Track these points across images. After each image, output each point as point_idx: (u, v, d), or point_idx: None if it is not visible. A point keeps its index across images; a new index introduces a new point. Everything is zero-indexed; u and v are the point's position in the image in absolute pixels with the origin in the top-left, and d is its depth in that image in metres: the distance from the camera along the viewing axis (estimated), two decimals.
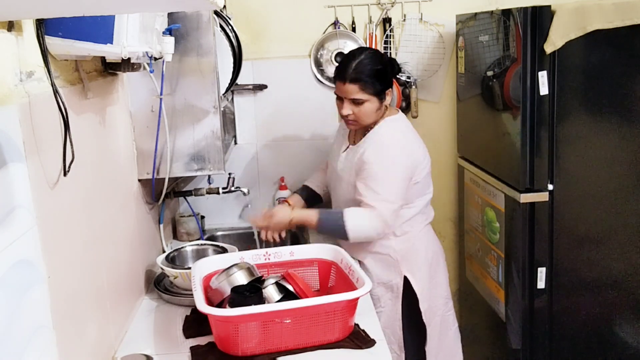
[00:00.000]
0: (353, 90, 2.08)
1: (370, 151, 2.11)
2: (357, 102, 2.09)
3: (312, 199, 2.46)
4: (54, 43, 1.28)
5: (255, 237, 2.44)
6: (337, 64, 2.27)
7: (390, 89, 2.14)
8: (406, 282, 2.20)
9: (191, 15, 1.91)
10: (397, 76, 2.85)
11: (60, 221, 1.30)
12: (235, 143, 2.89)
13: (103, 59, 1.63)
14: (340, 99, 2.14)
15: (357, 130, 2.23)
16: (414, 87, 2.86)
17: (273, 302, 1.70)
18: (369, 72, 2.07)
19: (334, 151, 2.37)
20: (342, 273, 1.84)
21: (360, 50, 2.17)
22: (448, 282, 2.33)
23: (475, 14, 2.58)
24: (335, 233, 2.14)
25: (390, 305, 2.22)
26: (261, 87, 2.84)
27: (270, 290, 1.73)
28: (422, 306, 2.20)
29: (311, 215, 2.16)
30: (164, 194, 2.16)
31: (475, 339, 2.85)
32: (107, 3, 0.92)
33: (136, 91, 1.96)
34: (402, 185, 2.10)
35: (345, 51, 2.75)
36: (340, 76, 2.11)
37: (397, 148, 2.13)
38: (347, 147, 2.26)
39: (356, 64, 2.08)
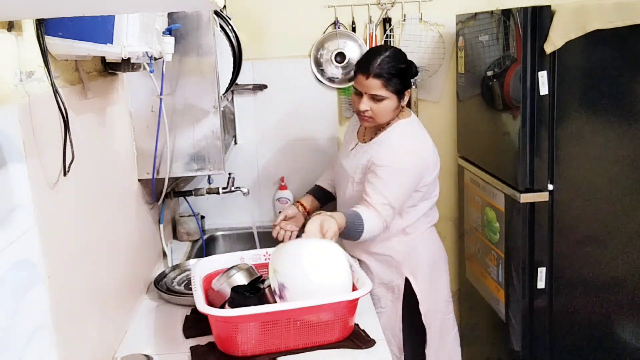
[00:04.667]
0: (375, 85, 2.03)
1: (382, 154, 2.08)
2: (376, 99, 2.05)
3: (324, 198, 2.43)
4: (54, 43, 1.28)
5: (255, 237, 2.44)
6: (359, 58, 2.18)
7: (409, 90, 2.12)
8: (407, 283, 2.19)
9: (191, 15, 1.91)
10: None
11: (60, 221, 1.30)
12: (235, 143, 2.88)
13: (103, 59, 1.63)
14: (358, 94, 2.09)
15: (368, 128, 2.20)
16: (414, 87, 2.85)
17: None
18: (393, 70, 2.04)
19: (343, 148, 2.36)
20: None
21: (385, 47, 2.16)
22: (449, 285, 2.33)
23: (475, 14, 2.58)
24: (351, 237, 2.04)
25: (391, 307, 2.21)
26: (261, 87, 2.84)
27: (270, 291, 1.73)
28: (423, 308, 2.19)
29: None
30: (164, 194, 2.16)
31: (475, 339, 2.85)
32: (107, 3, 0.92)
33: (136, 91, 1.96)
34: (407, 192, 2.09)
35: (346, 51, 2.76)
36: (364, 69, 2.05)
37: (409, 154, 2.10)
38: (356, 145, 2.23)
39: (381, 60, 2.03)
